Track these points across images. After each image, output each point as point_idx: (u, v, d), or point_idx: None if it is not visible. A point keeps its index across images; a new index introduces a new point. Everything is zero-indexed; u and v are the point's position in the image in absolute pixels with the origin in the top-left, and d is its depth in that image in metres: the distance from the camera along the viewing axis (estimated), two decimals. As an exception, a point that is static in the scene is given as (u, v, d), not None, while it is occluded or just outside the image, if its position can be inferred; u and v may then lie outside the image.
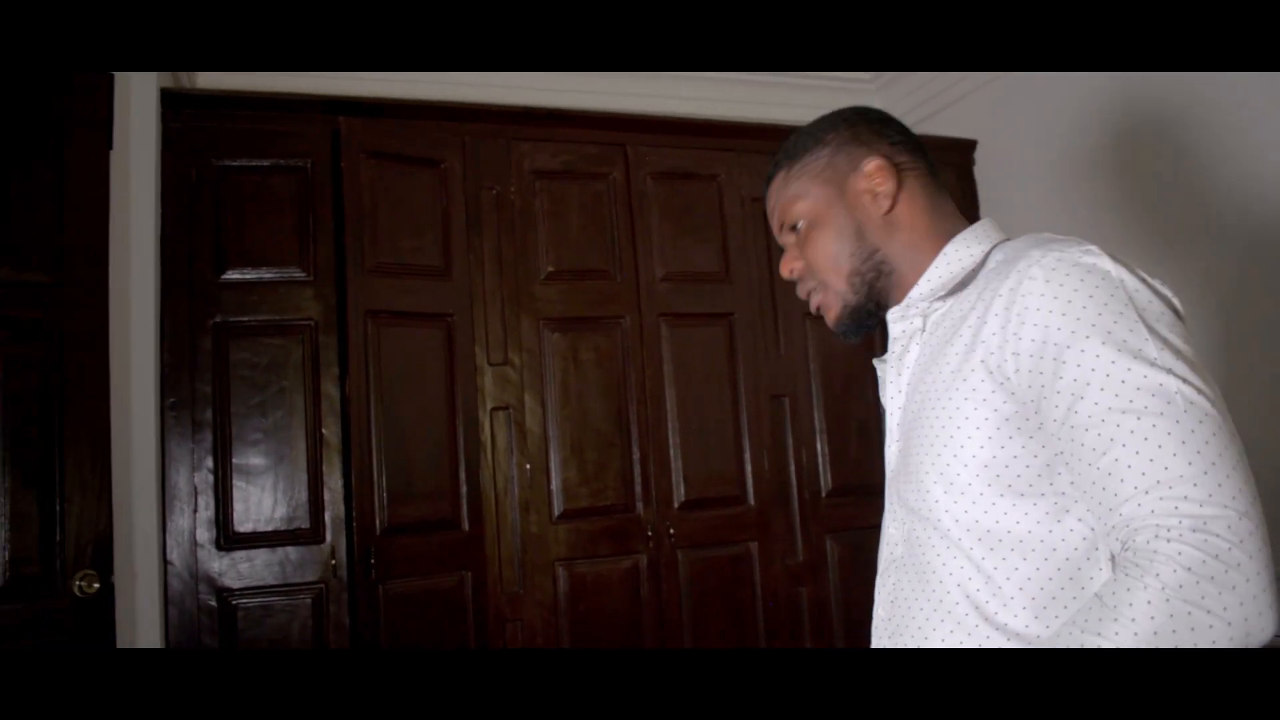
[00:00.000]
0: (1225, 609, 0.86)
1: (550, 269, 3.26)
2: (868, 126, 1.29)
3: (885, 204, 1.24)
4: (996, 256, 1.16)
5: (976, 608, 1.06)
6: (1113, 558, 1.00)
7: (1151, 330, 0.98)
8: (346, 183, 2.95)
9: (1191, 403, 0.93)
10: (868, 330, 1.31)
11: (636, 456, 3.27)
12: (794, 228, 1.31)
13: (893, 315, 1.25)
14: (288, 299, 2.90)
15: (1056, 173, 3.52)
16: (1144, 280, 1.03)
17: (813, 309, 1.34)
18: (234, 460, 2.80)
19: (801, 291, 1.34)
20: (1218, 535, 0.87)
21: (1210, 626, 0.86)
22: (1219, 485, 0.90)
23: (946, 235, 1.24)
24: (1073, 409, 0.98)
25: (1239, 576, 0.86)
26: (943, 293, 1.19)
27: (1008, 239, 1.21)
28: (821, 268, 1.28)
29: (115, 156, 2.72)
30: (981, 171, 3.88)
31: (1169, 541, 0.89)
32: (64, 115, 2.61)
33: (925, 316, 1.21)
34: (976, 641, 1.05)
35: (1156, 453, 0.92)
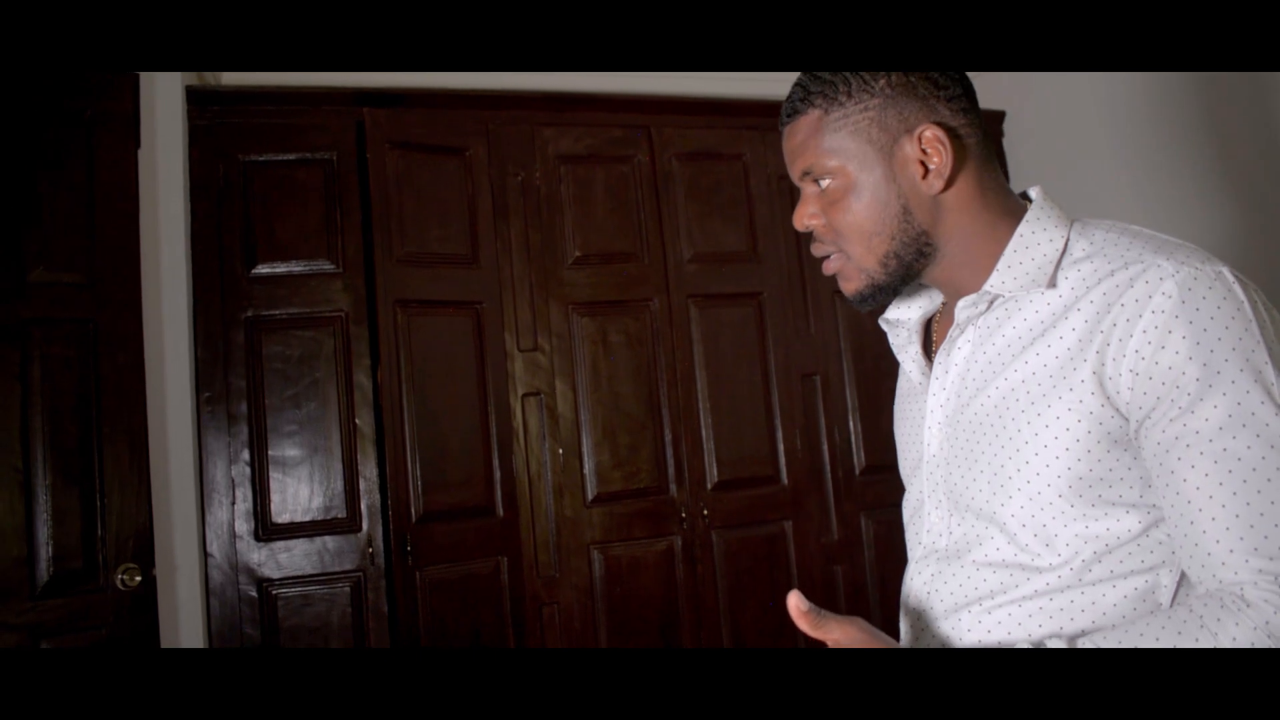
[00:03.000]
0: None
1: (577, 253, 3.26)
2: (924, 77, 1.11)
3: (937, 184, 1.10)
4: (1081, 245, 1.08)
5: (1031, 599, 1.04)
6: (1192, 584, 0.99)
7: (1278, 371, 0.94)
8: (372, 174, 2.97)
9: None
10: (887, 302, 1.21)
11: (669, 438, 3.27)
12: (818, 181, 1.14)
13: (964, 304, 1.12)
14: (318, 291, 2.92)
15: (1090, 143, 3.46)
16: (1269, 310, 0.99)
17: (826, 271, 1.19)
18: (270, 452, 2.83)
19: (817, 250, 1.19)
20: None
21: None
22: None
23: (1004, 213, 1.13)
24: (1183, 440, 0.95)
25: None
26: (1036, 288, 1.08)
27: (1074, 219, 1.13)
28: (850, 238, 1.13)
29: (143, 155, 2.75)
30: (1011, 144, 3.83)
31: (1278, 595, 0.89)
32: (91, 115, 2.64)
33: (991, 300, 1.12)
34: (1023, 633, 1.04)
35: (1269, 509, 0.90)
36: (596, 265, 3.29)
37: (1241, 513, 0.91)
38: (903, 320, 1.27)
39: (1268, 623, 0.87)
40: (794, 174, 1.17)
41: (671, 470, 3.25)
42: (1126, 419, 0.99)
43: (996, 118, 3.82)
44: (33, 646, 2.40)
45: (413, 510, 2.87)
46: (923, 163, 1.11)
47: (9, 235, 2.51)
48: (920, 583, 1.17)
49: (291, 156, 2.96)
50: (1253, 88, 2.88)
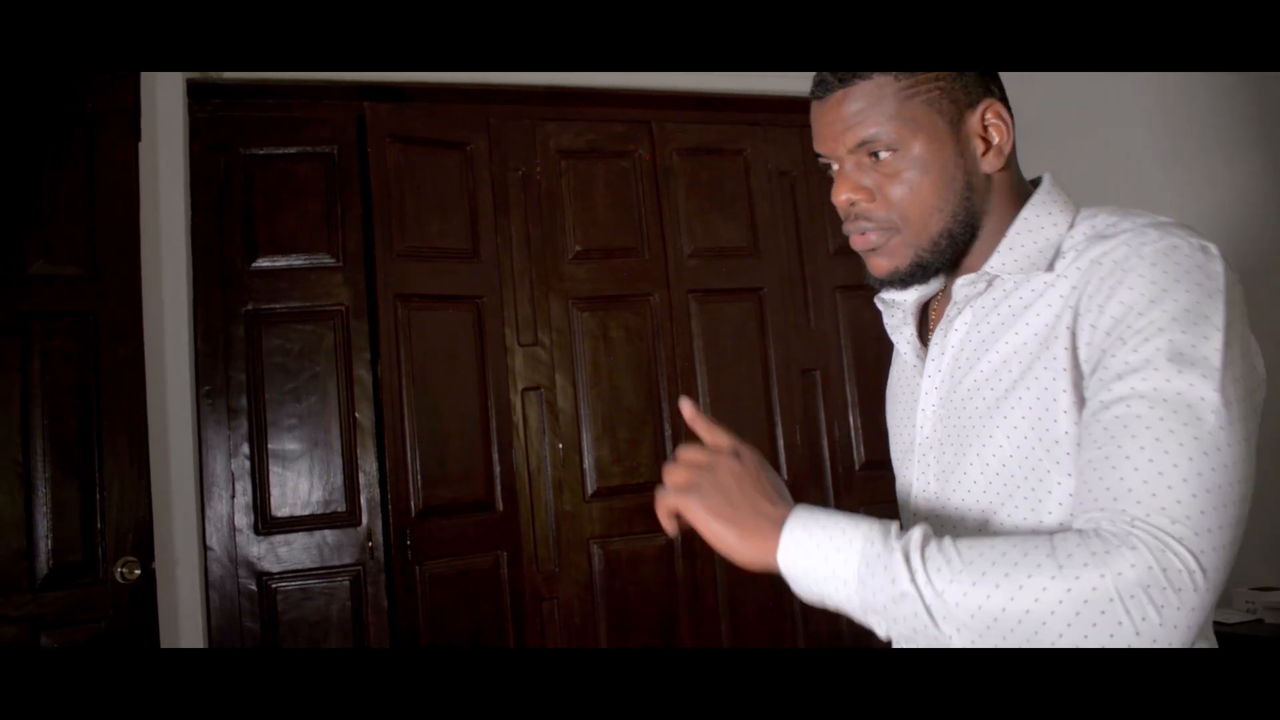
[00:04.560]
0: (1144, 619, 0.84)
1: (578, 248, 3.26)
2: None
3: (997, 162, 1.08)
4: (1083, 229, 1.06)
5: None
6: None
7: (1227, 342, 0.92)
8: (373, 167, 2.97)
9: (1221, 429, 0.89)
10: (919, 284, 1.16)
11: (668, 433, 3.27)
12: (875, 153, 1.07)
13: (961, 282, 1.10)
14: (318, 285, 2.92)
15: (1093, 140, 3.45)
16: (1243, 299, 0.97)
17: (861, 247, 1.12)
18: (270, 446, 2.83)
19: (855, 227, 1.11)
20: (1177, 556, 0.85)
21: (1119, 624, 0.83)
22: (1201, 513, 0.86)
23: (1024, 198, 1.12)
24: (1109, 385, 0.93)
25: (1172, 601, 0.84)
26: (1033, 271, 1.06)
27: (1083, 205, 1.12)
28: (909, 215, 1.07)
29: (144, 148, 2.74)
30: (1012, 138, 3.82)
31: (1130, 535, 0.86)
32: (91, 109, 2.64)
33: (990, 281, 1.09)
34: None
35: (1162, 458, 0.88)
36: (597, 260, 3.28)
37: (1132, 455, 0.89)
38: (899, 301, 1.24)
39: (1109, 554, 0.85)
40: (842, 144, 1.09)
41: (671, 465, 3.25)
42: (1088, 370, 0.97)
43: (998, 114, 3.81)
44: (32, 639, 2.40)
45: (412, 504, 2.87)
46: (984, 139, 1.08)
47: (10, 228, 2.51)
48: None
49: (292, 150, 2.96)
50: (1254, 86, 2.88)
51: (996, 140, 1.08)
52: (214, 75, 3.00)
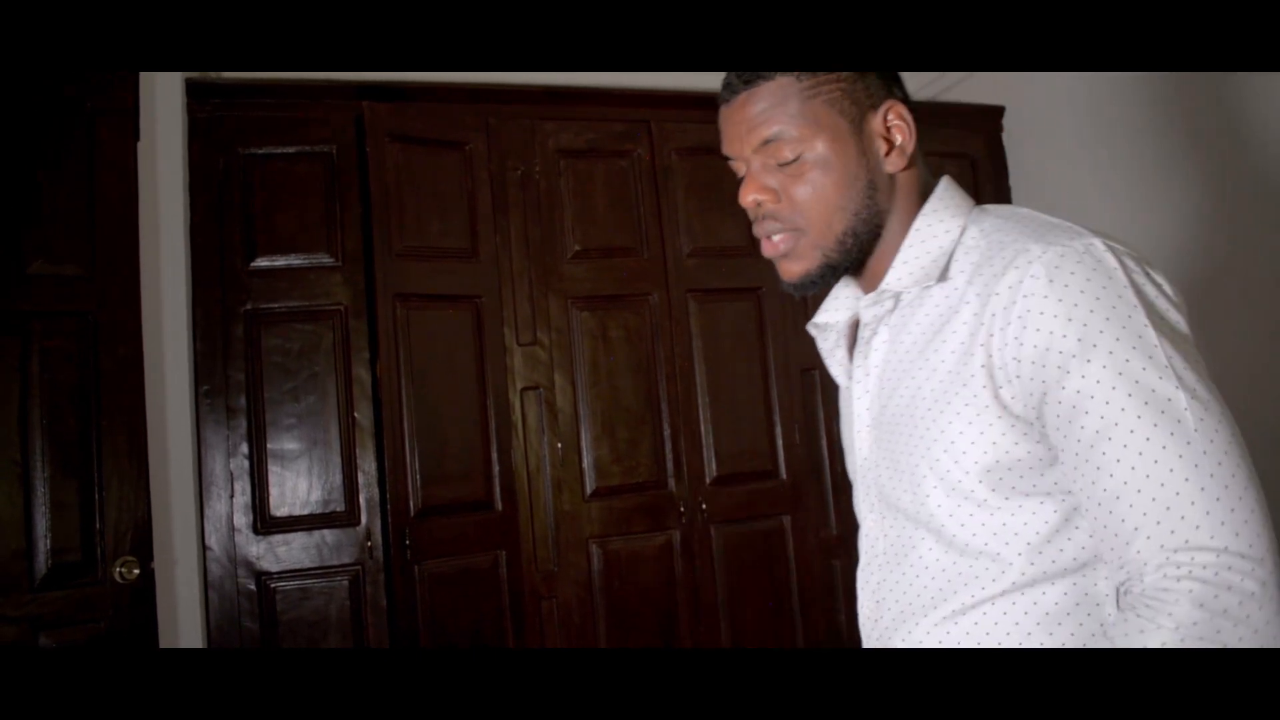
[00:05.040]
0: (1240, 640, 0.84)
1: (577, 248, 3.26)
2: None
3: (900, 163, 1.10)
4: (973, 234, 1.07)
5: (974, 607, 1.02)
6: (1117, 590, 0.96)
7: (1160, 334, 0.92)
8: (372, 167, 2.96)
9: (1201, 420, 0.89)
10: (829, 286, 1.17)
11: (668, 433, 3.27)
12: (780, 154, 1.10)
13: (866, 302, 1.13)
14: (317, 284, 2.92)
15: (1091, 139, 3.45)
16: (1148, 274, 0.97)
17: (770, 253, 1.14)
18: (269, 445, 2.83)
19: (762, 230, 1.13)
20: (1229, 568, 0.84)
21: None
22: (1231, 511, 0.86)
23: (925, 197, 1.13)
24: (1075, 422, 0.93)
25: (1253, 605, 0.84)
26: (927, 283, 1.07)
27: (975, 205, 1.13)
28: (812, 216, 1.09)
29: (143, 148, 2.75)
30: (1011, 139, 3.83)
31: (1179, 580, 0.86)
32: (91, 108, 2.64)
33: (896, 297, 1.11)
34: (971, 643, 1.02)
35: (1168, 477, 0.88)
36: (596, 260, 3.28)
37: (1143, 488, 0.89)
38: (832, 324, 1.25)
39: (1171, 614, 0.85)
40: (748, 144, 1.11)
41: (670, 465, 3.25)
42: (1024, 406, 0.97)
43: (996, 113, 3.81)
44: (31, 639, 2.40)
45: (411, 504, 2.87)
46: (886, 140, 1.10)
47: (9, 228, 2.51)
48: (869, 593, 1.16)
49: (291, 150, 2.96)
50: (1248, 86, 2.88)
51: (899, 140, 1.10)
52: (213, 75, 3.00)
